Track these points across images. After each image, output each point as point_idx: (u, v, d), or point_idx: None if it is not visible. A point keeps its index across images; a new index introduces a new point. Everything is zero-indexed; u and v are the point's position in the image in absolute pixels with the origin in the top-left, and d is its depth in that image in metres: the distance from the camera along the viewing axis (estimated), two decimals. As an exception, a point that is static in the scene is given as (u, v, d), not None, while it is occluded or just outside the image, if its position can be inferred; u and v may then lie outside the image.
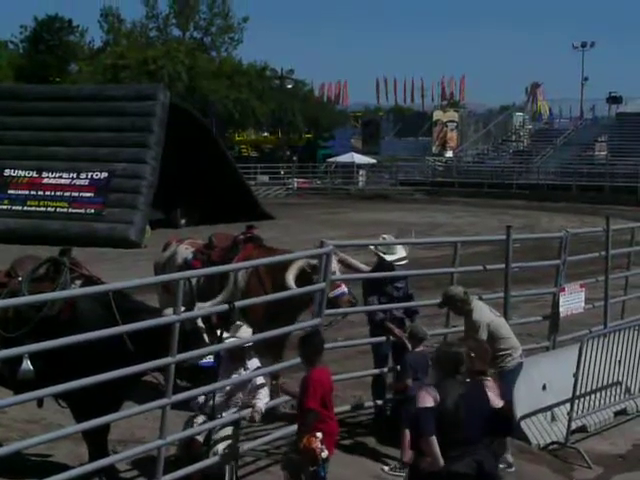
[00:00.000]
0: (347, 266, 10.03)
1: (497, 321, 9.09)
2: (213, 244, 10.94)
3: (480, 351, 7.19)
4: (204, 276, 9.86)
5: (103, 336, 6.68)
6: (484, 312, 9.06)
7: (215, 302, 9.24)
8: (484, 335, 8.77)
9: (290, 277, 9.43)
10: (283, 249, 10.92)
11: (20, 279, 7.63)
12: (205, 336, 7.41)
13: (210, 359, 7.37)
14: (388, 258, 9.78)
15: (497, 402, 6.44)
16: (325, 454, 6.99)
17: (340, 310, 9.48)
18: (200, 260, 10.65)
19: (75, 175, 30.10)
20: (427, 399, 6.02)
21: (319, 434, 6.99)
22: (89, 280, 7.69)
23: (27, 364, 6.97)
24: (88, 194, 29.63)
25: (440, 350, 6.59)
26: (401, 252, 9.89)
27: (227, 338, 7.74)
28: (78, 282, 7.63)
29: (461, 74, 78.48)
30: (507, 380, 8.82)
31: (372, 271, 10.00)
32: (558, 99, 71.28)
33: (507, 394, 8.78)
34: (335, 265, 9.30)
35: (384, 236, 10.19)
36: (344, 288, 9.53)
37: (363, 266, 10.22)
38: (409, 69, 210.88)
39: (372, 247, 10.01)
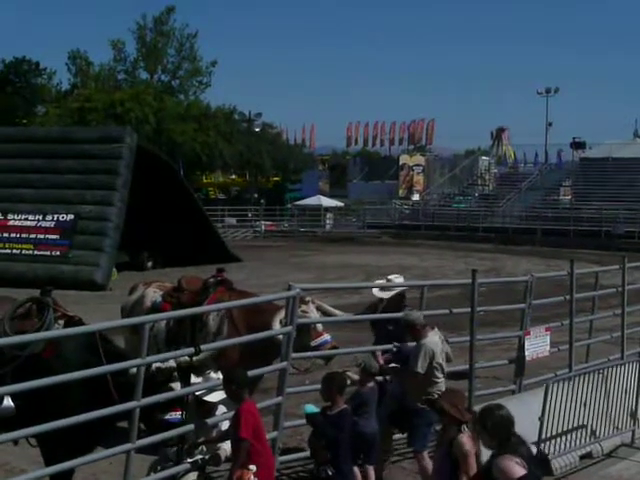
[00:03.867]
0: (324, 313, 10.09)
1: (440, 359, 9.12)
2: (182, 287, 10.88)
3: (462, 400, 7.20)
4: (175, 319, 9.82)
5: (87, 378, 6.69)
6: (435, 341, 9.09)
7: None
8: (425, 362, 8.81)
9: (276, 322, 9.39)
10: (253, 292, 10.91)
11: (0, 318, 7.60)
12: (177, 385, 7.40)
13: (177, 415, 7.36)
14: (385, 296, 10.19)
15: None
16: None
17: (306, 354, 9.47)
18: (170, 303, 10.59)
19: (41, 217, 29.93)
20: (518, 469, 5.86)
21: (253, 467, 6.95)
22: (71, 320, 7.67)
23: (8, 401, 6.93)
24: (54, 236, 29.46)
25: (490, 416, 6.25)
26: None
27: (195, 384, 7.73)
28: (61, 322, 7.62)
29: (427, 119, 78.79)
30: (423, 420, 8.84)
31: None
32: (523, 144, 72.14)
33: (419, 438, 8.87)
34: (314, 312, 9.37)
35: (390, 277, 10.69)
36: (326, 336, 9.55)
37: (339, 312, 10.27)
38: (373, 113, 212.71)
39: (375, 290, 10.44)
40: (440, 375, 9.04)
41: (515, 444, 5.97)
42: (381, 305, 10.41)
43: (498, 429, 6.07)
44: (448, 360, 9.31)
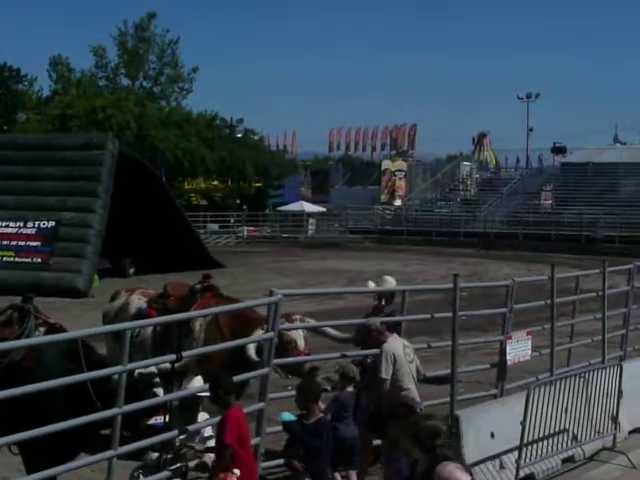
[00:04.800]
0: (318, 333, 10.10)
1: (403, 363, 9.13)
2: (168, 293, 10.82)
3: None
4: (161, 325, 9.78)
5: (68, 386, 6.67)
6: (396, 345, 9.12)
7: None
8: (389, 367, 8.83)
9: (251, 347, 9.34)
10: (239, 299, 10.87)
11: None
12: (160, 391, 7.39)
13: (161, 420, 7.36)
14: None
15: None
16: None
17: (289, 360, 9.47)
18: (155, 309, 10.54)
19: (22, 224, 29.80)
20: (462, 475, 5.76)
21: (237, 471, 6.97)
22: (52, 327, 7.64)
23: None
24: (35, 243, 29.35)
25: (416, 425, 6.16)
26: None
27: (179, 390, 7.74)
28: (42, 329, 7.59)
29: (409, 124, 78.85)
30: None
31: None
32: (504, 149, 72.49)
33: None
34: (300, 333, 9.40)
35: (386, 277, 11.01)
36: (307, 355, 9.56)
37: (333, 332, 10.25)
38: (355, 119, 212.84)
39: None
40: (409, 384, 9.05)
41: (442, 452, 5.87)
42: (384, 307, 10.51)
43: (423, 438, 5.97)
44: (418, 375, 9.31)
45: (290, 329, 9.52)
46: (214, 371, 8.02)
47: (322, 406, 8.41)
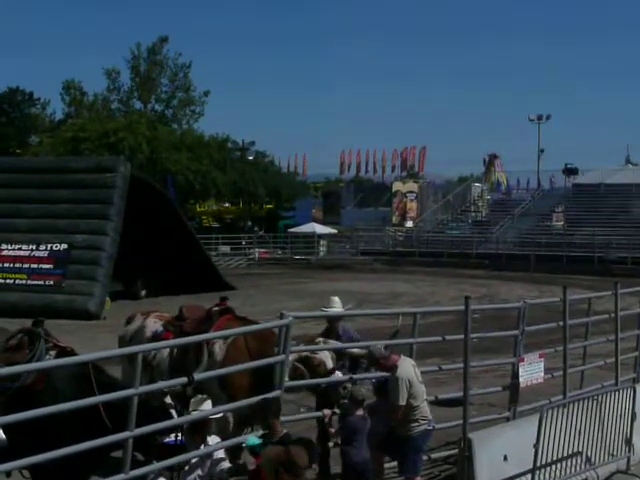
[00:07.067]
0: (344, 355, 10.09)
1: (416, 384, 9.12)
2: (184, 316, 10.76)
3: (288, 463, 7.03)
4: (178, 348, 9.76)
5: (79, 409, 6.67)
6: (407, 369, 9.09)
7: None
8: (405, 393, 8.80)
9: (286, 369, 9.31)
10: (257, 321, 10.81)
11: None
12: (173, 413, 7.38)
13: (174, 437, 7.35)
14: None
15: None
16: None
17: (299, 382, 9.44)
18: (171, 332, 10.48)
19: (34, 247, 29.91)
20: None
21: None
22: (63, 351, 7.66)
23: (0, 433, 6.90)
24: (47, 266, 29.44)
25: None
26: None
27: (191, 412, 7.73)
28: (52, 352, 7.60)
29: (419, 145, 78.89)
30: (410, 447, 8.85)
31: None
32: (515, 170, 72.39)
33: (409, 465, 8.87)
34: (327, 354, 9.40)
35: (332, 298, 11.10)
36: (337, 374, 9.54)
37: (357, 350, 10.23)
38: (365, 140, 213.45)
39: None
40: (421, 402, 9.07)
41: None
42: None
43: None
44: None
45: (301, 351, 9.50)
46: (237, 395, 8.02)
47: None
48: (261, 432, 8.03)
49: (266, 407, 7.94)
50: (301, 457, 6.99)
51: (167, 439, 7.40)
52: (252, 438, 7.94)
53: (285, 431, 7.95)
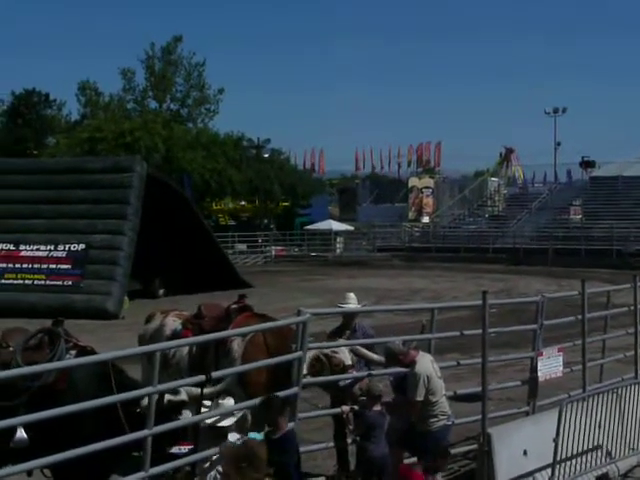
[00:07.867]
0: (360, 356, 10.06)
1: (435, 379, 9.09)
2: (203, 314, 10.77)
3: (249, 457, 6.95)
4: (197, 346, 9.77)
5: (100, 408, 6.71)
6: (426, 365, 9.07)
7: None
8: (423, 389, 8.78)
9: (304, 365, 9.29)
10: (276, 318, 10.79)
11: (12, 349, 7.63)
12: (189, 413, 7.41)
13: (185, 449, 7.37)
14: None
15: None
16: None
17: (318, 379, 9.42)
18: (190, 330, 10.50)
19: (52, 247, 30.06)
20: None
21: None
22: (83, 350, 7.69)
23: (21, 433, 6.96)
24: (65, 266, 29.58)
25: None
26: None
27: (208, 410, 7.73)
28: (73, 352, 7.64)
29: (435, 140, 78.72)
30: (430, 442, 8.82)
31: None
32: (531, 164, 72.22)
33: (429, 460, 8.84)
34: (347, 354, 9.37)
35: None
36: (354, 373, 9.51)
37: (376, 357, 10.17)
38: (383, 136, 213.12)
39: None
40: (441, 397, 9.04)
41: None
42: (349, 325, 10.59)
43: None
44: None
45: (318, 348, 9.48)
46: (256, 392, 8.00)
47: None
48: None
49: (269, 404, 7.89)
50: (260, 449, 6.97)
51: (177, 450, 7.42)
52: (253, 434, 7.97)
53: (289, 428, 7.96)
